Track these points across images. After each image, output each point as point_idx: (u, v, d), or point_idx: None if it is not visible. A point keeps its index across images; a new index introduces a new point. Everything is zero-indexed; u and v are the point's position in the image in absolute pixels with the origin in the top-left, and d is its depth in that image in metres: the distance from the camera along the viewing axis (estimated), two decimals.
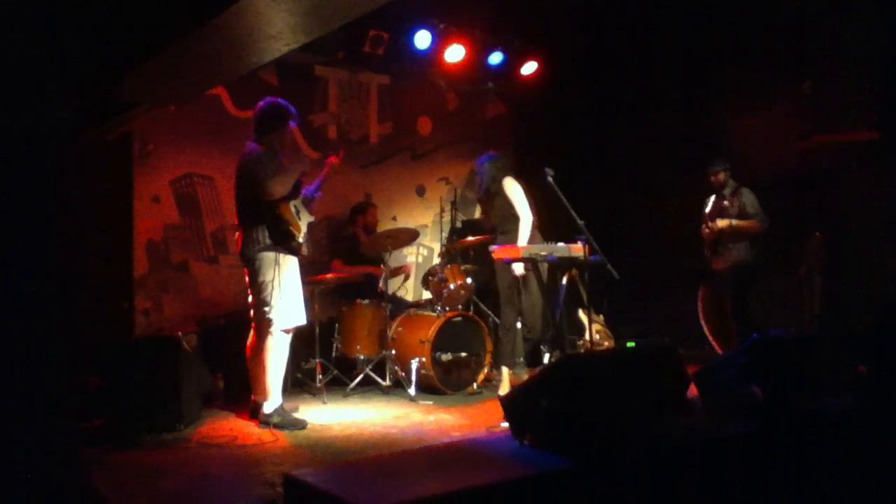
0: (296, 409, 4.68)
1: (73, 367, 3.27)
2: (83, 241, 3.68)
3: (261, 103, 4.57)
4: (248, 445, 3.99)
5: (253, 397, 4.57)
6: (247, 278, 4.50)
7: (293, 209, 4.48)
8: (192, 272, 6.08)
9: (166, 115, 5.69)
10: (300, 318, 4.49)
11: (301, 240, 4.45)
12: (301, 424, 4.36)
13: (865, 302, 5.51)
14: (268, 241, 4.35)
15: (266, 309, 4.37)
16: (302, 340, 5.43)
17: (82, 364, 4.17)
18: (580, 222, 4.75)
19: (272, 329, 4.38)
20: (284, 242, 4.38)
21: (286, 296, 4.37)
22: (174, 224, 6.02)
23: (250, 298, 4.52)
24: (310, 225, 4.63)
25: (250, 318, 4.55)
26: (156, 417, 4.26)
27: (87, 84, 3.41)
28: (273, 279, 4.33)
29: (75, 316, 3.23)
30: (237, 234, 4.50)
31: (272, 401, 4.40)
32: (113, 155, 5.69)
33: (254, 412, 4.52)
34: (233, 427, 4.44)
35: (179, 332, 4.54)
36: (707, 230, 5.75)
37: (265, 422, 4.36)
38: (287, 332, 4.45)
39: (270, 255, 4.35)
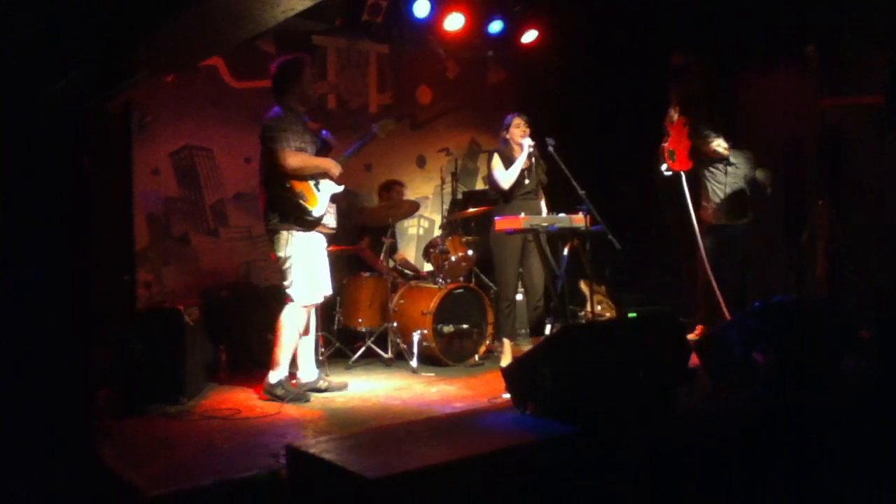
0: (344, 386, 4.67)
1: (82, 340, 3.28)
2: (91, 217, 3.66)
3: (272, 65, 4.45)
4: (252, 417, 4.00)
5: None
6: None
7: (310, 180, 4.34)
8: (193, 244, 6.07)
9: (163, 86, 5.64)
10: (319, 296, 4.44)
11: (318, 213, 4.30)
12: (304, 398, 4.35)
13: (869, 270, 5.49)
14: (281, 215, 4.27)
15: (285, 283, 4.36)
16: None
17: (90, 337, 4.17)
18: (581, 192, 4.73)
19: (291, 303, 4.36)
20: (297, 216, 4.28)
21: (304, 273, 4.32)
22: (174, 196, 6.00)
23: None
24: (335, 196, 4.46)
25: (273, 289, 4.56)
26: (159, 390, 4.26)
27: (89, 55, 3.37)
28: (290, 257, 4.29)
29: (85, 291, 3.23)
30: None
31: (278, 371, 4.38)
32: (111, 127, 5.65)
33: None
34: (236, 399, 4.46)
35: (181, 305, 4.53)
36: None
37: (268, 391, 4.36)
38: (307, 307, 4.42)
39: (284, 233, 4.29)
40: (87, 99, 3.88)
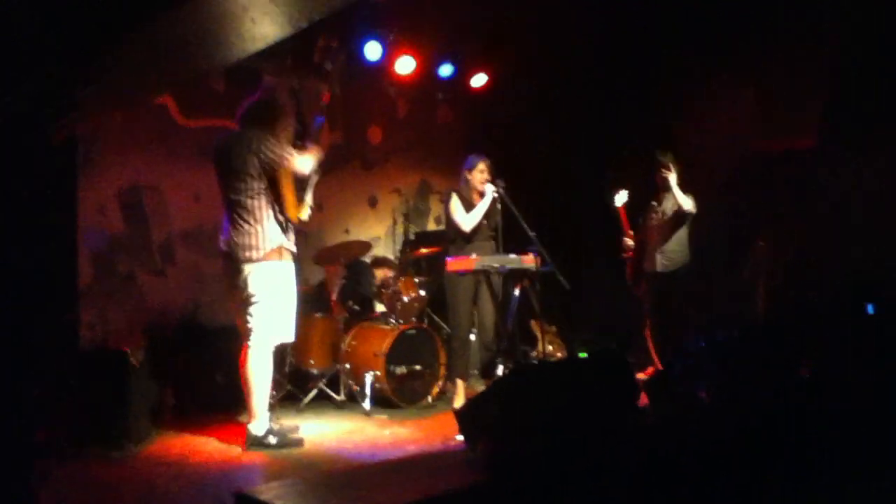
0: (296, 429, 4.44)
1: (23, 379, 3.18)
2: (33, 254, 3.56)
3: (255, 95, 4.43)
4: (199, 463, 3.91)
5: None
6: (229, 279, 4.24)
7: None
8: (139, 283, 5.93)
9: (111, 123, 5.56)
10: (287, 335, 4.25)
11: (305, 215, 4.29)
12: (299, 443, 4.20)
13: (809, 303, 5.66)
14: (264, 243, 4.09)
15: (249, 318, 4.14)
16: None
17: (31, 377, 4.04)
18: (531, 234, 4.80)
19: (255, 341, 4.15)
20: (287, 219, 4.21)
21: (276, 308, 4.15)
22: (119, 234, 5.87)
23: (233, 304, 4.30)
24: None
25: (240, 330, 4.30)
26: (101, 433, 4.14)
27: (42, 78, 3.30)
28: (259, 291, 4.11)
29: (26, 329, 3.14)
30: (222, 236, 4.23)
31: (260, 421, 4.15)
32: (56, 161, 5.53)
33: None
34: (183, 443, 4.35)
35: (126, 346, 4.42)
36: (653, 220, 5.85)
37: (258, 444, 4.11)
38: (267, 348, 4.20)
39: (262, 265, 4.10)
40: (28, 130, 3.80)
